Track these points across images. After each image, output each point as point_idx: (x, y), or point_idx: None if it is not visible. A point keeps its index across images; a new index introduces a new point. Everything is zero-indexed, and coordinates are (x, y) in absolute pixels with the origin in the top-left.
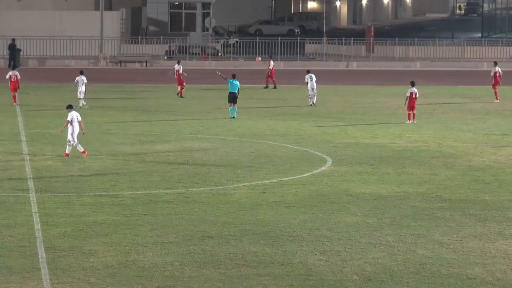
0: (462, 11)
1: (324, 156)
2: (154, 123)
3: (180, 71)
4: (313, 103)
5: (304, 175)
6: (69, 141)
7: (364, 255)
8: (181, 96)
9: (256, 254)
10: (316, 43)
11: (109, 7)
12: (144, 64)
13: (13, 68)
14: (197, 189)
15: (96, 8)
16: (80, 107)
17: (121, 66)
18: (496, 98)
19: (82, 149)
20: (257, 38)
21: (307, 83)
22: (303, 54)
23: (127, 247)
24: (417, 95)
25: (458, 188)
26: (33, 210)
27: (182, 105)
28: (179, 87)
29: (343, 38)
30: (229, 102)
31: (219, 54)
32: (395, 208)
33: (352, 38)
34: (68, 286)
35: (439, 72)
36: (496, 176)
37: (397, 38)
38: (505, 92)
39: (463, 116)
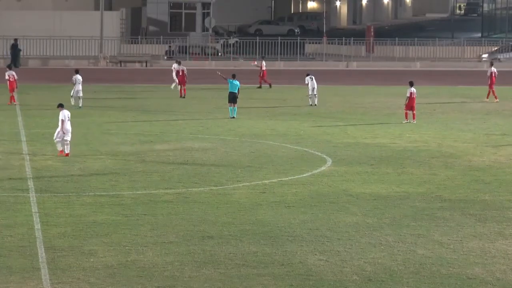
0: (462, 11)
1: (324, 156)
2: (154, 123)
3: (185, 71)
4: (315, 104)
5: (304, 175)
6: (65, 140)
7: (364, 255)
8: (182, 96)
9: (256, 254)
10: (316, 43)
11: (109, 7)
12: (144, 64)
13: (10, 68)
14: (197, 189)
15: (96, 8)
16: (80, 106)
17: (121, 66)
18: (487, 97)
19: (61, 149)
20: (257, 38)
21: (308, 84)
22: (303, 54)
23: (127, 247)
24: (416, 94)
25: (458, 188)
26: (33, 210)
27: (182, 105)
28: (179, 87)
29: (343, 38)
30: (229, 102)
31: (219, 54)
32: (395, 208)
33: (352, 38)
34: (68, 286)
35: (439, 72)
36: (496, 176)
37: (397, 38)
38: (505, 92)
39: (463, 116)
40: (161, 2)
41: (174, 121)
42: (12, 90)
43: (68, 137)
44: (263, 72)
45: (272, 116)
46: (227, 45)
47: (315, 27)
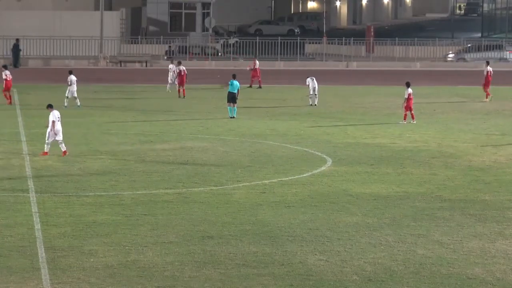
0: (462, 11)
1: (324, 156)
2: (154, 123)
3: (186, 72)
4: (315, 104)
5: (304, 175)
6: (58, 140)
7: (364, 255)
8: (182, 97)
9: (256, 254)
10: (316, 43)
11: (109, 7)
12: (144, 64)
13: (6, 68)
14: (197, 189)
15: (96, 8)
16: (79, 106)
17: (121, 66)
18: (486, 97)
19: (47, 150)
20: (257, 38)
21: (308, 84)
22: (303, 54)
23: (127, 247)
24: (412, 95)
25: (458, 188)
26: (33, 210)
27: (182, 105)
28: (179, 87)
29: (343, 38)
30: (228, 101)
31: (219, 54)
32: (395, 208)
33: (352, 38)
34: (68, 286)
35: (439, 72)
36: (496, 176)
37: (397, 38)
38: (505, 92)
39: (463, 116)
40: (161, 2)
41: (174, 121)
42: (8, 89)
43: (60, 137)
44: (256, 71)
45: (272, 116)
46: (227, 45)
47: (315, 27)
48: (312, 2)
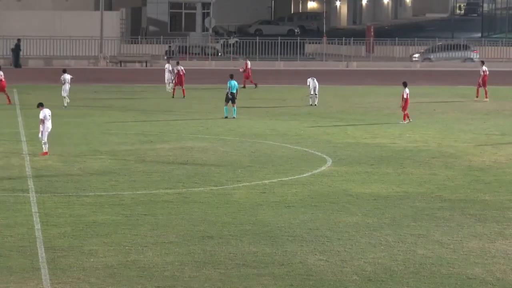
0: (462, 11)
1: (324, 156)
2: (154, 123)
3: (184, 71)
4: (315, 104)
5: (304, 175)
6: (43, 139)
7: (364, 255)
8: (183, 96)
9: (256, 254)
10: (316, 43)
11: (109, 7)
12: (144, 64)
13: (0, 68)
14: (197, 189)
15: (96, 8)
16: (65, 106)
17: (121, 66)
18: (477, 96)
19: (46, 150)
20: (257, 38)
21: (309, 84)
22: (303, 54)
23: (127, 247)
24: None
25: (458, 188)
26: (33, 210)
27: (182, 105)
28: (175, 87)
29: (343, 38)
30: (226, 101)
31: (219, 54)
32: (395, 208)
33: (352, 38)
34: (68, 286)
35: (439, 72)
36: (496, 176)
37: (397, 38)
38: (505, 92)
39: (463, 116)
40: (161, 2)
41: (174, 121)
42: (2, 90)
43: (45, 136)
44: (248, 71)
45: (272, 116)
46: (227, 45)
47: (315, 27)
48: (312, 2)
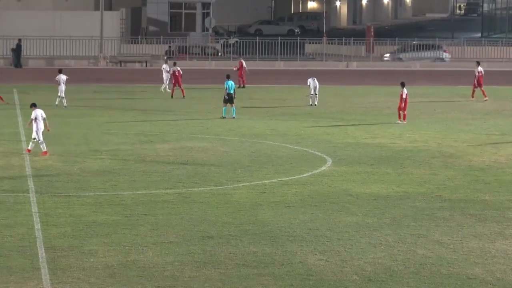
0: (462, 11)
1: (324, 156)
2: (154, 123)
3: (181, 72)
4: (315, 104)
5: (304, 175)
6: (34, 139)
7: (364, 255)
8: (182, 96)
9: (256, 254)
10: (316, 43)
11: (109, 7)
12: (144, 64)
13: None
14: (197, 189)
15: (96, 8)
16: (57, 104)
17: (121, 66)
18: (472, 96)
19: (45, 149)
20: (257, 38)
21: (309, 84)
22: (303, 54)
23: (127, 247)
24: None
25: (458, 188)
26: (33, 210)
27: (182, 105)
28: (174, 88)
29: (343, 38)
30: (224, 102)
31: (219, 54)
32: (395, 208)
33: (352, 38)
34: (68, 286)
35: (439, 72)
36: (496, 176)
37: (397, 38)
38: (505, 92)
39: (463, 116)
40: (161, 2)
41: (174, 121)
42: None
43: (35, 135)
44: (242, 71)
45: (272, 116)
46: (227, 45)
47: (315, 27)
48: (312, 2)
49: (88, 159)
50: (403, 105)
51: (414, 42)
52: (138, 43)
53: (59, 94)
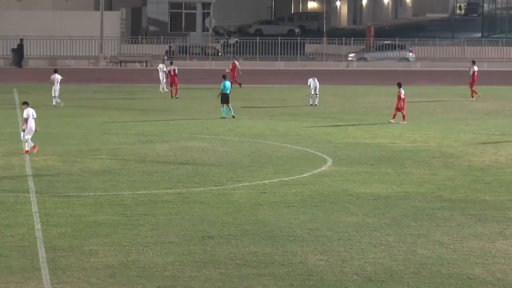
0: (462, 11)
1: (324, 156)
2: (154, 123)
3: (177, 71)
4: (315, 104)
5: (304, 175)
6: (24, 137)
7: (365, 255)
8: (175, 97)
9: (256, 254)
10: (316, 43)
11: (109, 7)
12: (144, 64)
13: None
14: (197, 189)
15: (96, 8)
16: (54, 105)
17: (121, 66)
18: (472, 96)
19: (32, 144)
20: (257, 38)
21: (310, 84)
22: (303, 54)
23: (127, 247)
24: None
25: (458, 188)
26: (33, 210)
27: (182, 105)
28: (171, 88)
29: (343, 38)
30: (221, 103)
31: (219, 54)
32: (395, 208)
33: (352, 38)
34: (68, 286)
35: (439, 72)
36: (497, 176)
37: (397, 38)
38: (505, 92)
39: (463, 116)
40: (161, 2)
41: (174, 121)
42: None
43: (29, 135)
44: (235, 72)
45: (272, 116)
46: (227, 45)
47: (315, 27)
48: (312, 2)
49: (88, 159)
50: (401, 105)
51: (386, 43)
52: (138, 43)
53: (53, 94)
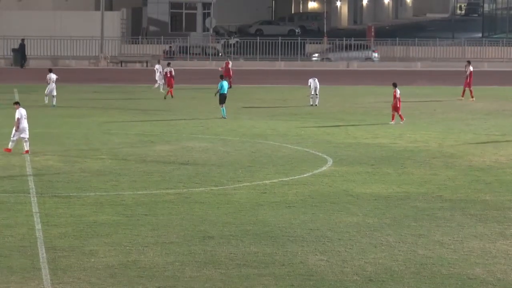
0: (463, 11)
1: (325, 156)
2: (154, 123)
3: (173, 73)
4: (316, 104)
5: (305, 175)
6: (24, 138)
7: (365, 255)
8: (168, 97)
9: (257, 254)
10: (316, 43)
11: (110, 7)
12: (145, 64)
13: None
14: (198, 189)
15: (97, 8)
16: (54, 105)
17: (121, 66)
18: (471, 96)
19: (10, 147)
20: (258, 38)
21: (310, 85)
22: (304, 54)
23: (127, 247)
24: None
25: (458, 188)
26: (33, 210)
27: (183, 105)
28: (168, 88)
29: (344, 38)
30: (220, 103)
31: (220, 54)
32: (395, 208)
33: (353, 38)
34: (68, 286)
35: (440, 72)
36: (497, 176)
37: (397, 38)
38: (505, 92)
39: (463, 116)
40: (162, 2)
41: (174, 121)
42: None
43: (26, 135)
44: (229, 71)
45: (272, 116)
46: (227, 45)
47: (315, 27)
48: (312, 2)
49: (88, 159)
50: (398, 104)
51: (355, 43)
52: (138, 43)
53: (52, 93)
